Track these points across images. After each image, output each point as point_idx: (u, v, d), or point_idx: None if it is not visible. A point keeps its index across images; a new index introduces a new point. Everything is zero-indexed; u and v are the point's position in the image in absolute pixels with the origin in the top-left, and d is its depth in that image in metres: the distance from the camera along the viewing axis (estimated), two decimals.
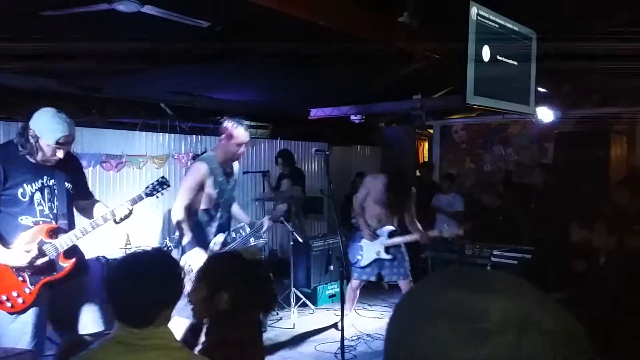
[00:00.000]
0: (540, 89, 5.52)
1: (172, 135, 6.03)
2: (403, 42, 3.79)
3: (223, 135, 3.30)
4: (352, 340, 4.48)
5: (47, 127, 2.36)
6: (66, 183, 2.55)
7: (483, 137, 8.29)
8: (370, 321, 5.01)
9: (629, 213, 4.58)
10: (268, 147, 7.09)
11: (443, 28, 4.02)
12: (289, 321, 4.92)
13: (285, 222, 5.61)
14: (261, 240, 4.98)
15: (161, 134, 5.95)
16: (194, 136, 6.27)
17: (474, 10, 3.92)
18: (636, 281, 2.97)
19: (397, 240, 4.39)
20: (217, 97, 6.42)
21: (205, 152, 5.80)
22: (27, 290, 2.39)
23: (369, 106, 7.11)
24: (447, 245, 5.77)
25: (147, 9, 3.12)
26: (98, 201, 2.78)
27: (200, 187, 3.16)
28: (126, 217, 2.60)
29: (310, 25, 3.19)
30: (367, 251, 4.41)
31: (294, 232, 5.45)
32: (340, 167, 7.58)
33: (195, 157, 6.03)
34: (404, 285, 4.37)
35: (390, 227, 4.45)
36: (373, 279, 4.51)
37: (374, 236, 4.39)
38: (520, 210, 5.97)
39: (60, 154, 2.42)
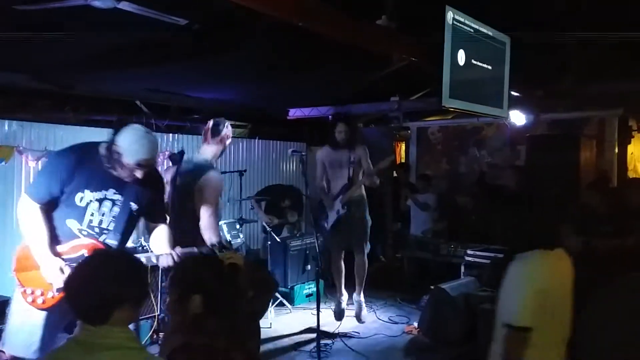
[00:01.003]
0: (514, 93, 5.66)
1: None
2: (381, 44, 3.84)
3: (219, 137, 3.27)
4: (330, 339, 4.52)
5: (131, 147, 2.32)
6: (132, 203, 2.48)
7: (459, 139, 8.44)
8: (347, 320, 5.05)
9: (598, 215, 4.73)
10: (246, 147, 7.07)
11: (420, 31, 4.09)
12: (266, 320, 4.92)
13: (264, 224, 5.63)
14: (238, 240, 4.99)
15: None
16: (171, 134, 6.21)
17: (449, 15, 4.00)
18: (602, 282, 3.08)
19: (349, 192, 4.53)
20: (194, 96, 6.37)
21: (181, 152, 5.75)
22: (50, 295, 2.37)
23: (347, 107, 7.16)
24: (422, 245, 5.87)
25: (124, 5, 3.08)
26: (164, 224, 2.67)
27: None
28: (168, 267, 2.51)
29: (289, 26, 3.20)
30: (331, 215, 4.61)
31: (272, 232, 5.46)
32: None
33: (172, 156, 5.99)
34: (358, 257, 4.63)
35: (343, 185, 4.58)
36: (344, 246, 4.71)
37: (331, 202, 4.58)
38: (493, 211, 6.10)
39: (138, 174, 2.38)
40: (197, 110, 6.82)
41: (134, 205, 2.50)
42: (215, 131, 3.27)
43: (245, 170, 5.98)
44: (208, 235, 2.94)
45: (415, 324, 4.73)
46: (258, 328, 2.06)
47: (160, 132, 6.15)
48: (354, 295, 4.80)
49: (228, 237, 4.66)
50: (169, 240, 2.62)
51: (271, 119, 7.57)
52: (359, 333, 4.71)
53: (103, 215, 2.44)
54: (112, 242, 2.47)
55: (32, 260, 2.36)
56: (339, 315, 4.83)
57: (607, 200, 5.23)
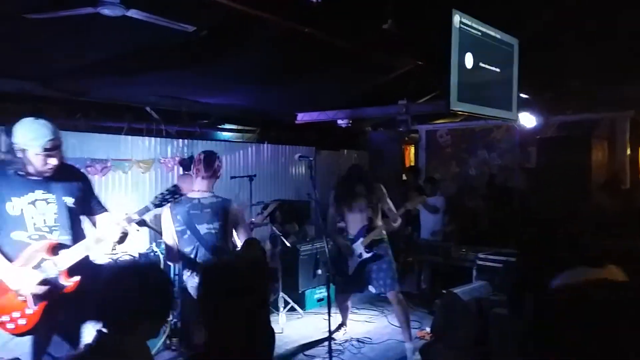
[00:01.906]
0: (523, 95, 5.62)
1: (158, 139, 6.00)
2: (386, 49, 3.83)
3: (212, 170, 3.25)
4: (341, 345, 4.50)
5: (29, 136, 2.27)
6: (64, 197, 2.44)
7: (468, 141, 8.40)
8: (358, 325, 5.04)
9: (610, 216, 4.67)
10: (255, 152, 7.09)
11: (426, 35, 4.09)
12: (277, 326, 4.92)
13: (274, 228, 5.63)
14: None
15: (147, 138, 5.92)
16: (181, 140, 6.24)
17: (456, 19, 3.99)
18: None
19: (371, 235, 4.29)
20: (203, 101, 6.41)
21: (190, 157, 5.79)
22: (30, 311, 2.29)
23: (355, 110, 7.16)
24: (433, 249, 5.84)
25: (133, 13, 3.11)
26: (106, 213, 2.65)
27: None
28: (122, 239, 2.49)
29: (296, 31, 3.22)
30: (351, 259, 4.36)
31: (282, 237, 5.46)
32: (327, 171, 7.61)
33: (182, 162, 6.03)
34: (392, 296, 4.29)
35: (362, 227, 4.35)
36: (361, 291, 4.45)
37: (349, 247, 4.33)
38: (504, 213, 6.06)
39: (52, 161, 2.32)
40: (206, 116, 6.86)
41: (68, 200, 2.45)
42: (208, 165, 3.20)
43: (255, 175, 5.99)
44: None
45: (428, 329, 4.69)
46: (273, 332, 2.04)
47: (171, 137, 6.19)
48: (406, 344, 4.32)
49: (239, 243, 4.66)
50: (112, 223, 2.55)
51: (279, 124, 7.59)
52: (370, 339, 4.69)
53: (43, 214, 2.37)
54: (65, 237, 2.41)
55: None
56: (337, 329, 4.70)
57: (619, 201, 5.18)
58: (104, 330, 1.56)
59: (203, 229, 3.06)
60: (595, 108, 6.85)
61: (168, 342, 4.22)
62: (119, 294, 1.56)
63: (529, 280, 3.33)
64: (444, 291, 4.64)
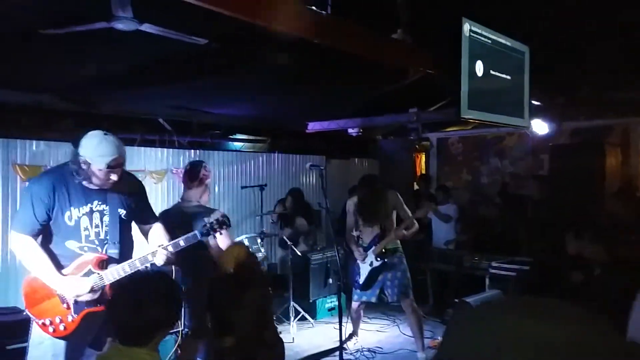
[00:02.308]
0: (535, 102, 5.59)
1: (171, 150, 6.07)
2: (397, 58, 3.85)
3: (197, 180, 3.34)
4: (352, 354, 4.48)
5: (95, 152, 2.34)
6: (119, 209, 2.51)
7: (479, 149, 8.36)
8: (369, 334, 5.01)
9: (624, 223, 4.61)
10: (266, 161, 7.13)
11: (437, 44, 4.09)
12: (288, 335, 4.91)
13: (284, 237, 5.64)
14: (260, 254, 5.01)
15: (159, 149, 5.99)
16: (193, 151, 6.31)
17: (466, 27, 3.99)
18: (631, 292, 2.99)
19: (382, 243, 4.30)
20: (215, 112, 6.47)
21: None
22: (70, 318, 2.38)
23: (366, 119, 7.17)
24: (445, 257, 5.80)
25: (146, 27, 3.16)
26: (158, 223, 2.71)
27: None
28: (167, 263, 2.53)
29: (305, 42, 3.24)
30: (363, 267, 4.38)
31: (292, 246, 5.47)
32: (338, 180, 7.62)
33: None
34: (406, 304, 4.29)
35: (375, 235, 4.36)
36: (374, 299, 4.45)
37: (363, 254, 4.35)
38: (517, 222, 6.00)
39: (114, 177, 2.40)
40: (217, 126, 6.92)
41: (122, 212, 2.52)
42: (193, 174, 3.30)
43: (265, 185, 6.03)
44: None
45: (440, 339, 4.64)
46: (281, 341, 2.04)
47: (183, 148, 6.25)
48: (418, 353, 4.34)
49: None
50: (165, 235, 2.64)
51: (290, 133, 7.62)
52: (382, 348, 4.66)
53: (97, 227, 2.44)
54: (114, 251, 2.47)
55: (42, 292, 2.37)
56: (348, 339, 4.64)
57: (632, 208, 5.10)
58: (117, 341, 1.57)
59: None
60: (608, 114, 6.79)
61: (180, 351, 4.23)
62: (126, 306, 1.58)
63: (542, 289, 3.30)
64: (456, 300, 4.61)
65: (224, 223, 2.70)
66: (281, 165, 7.34)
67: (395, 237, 4.32)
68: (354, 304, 4.51)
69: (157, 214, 2.70)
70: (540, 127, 6.46)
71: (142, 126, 6.03)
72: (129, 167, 5.59)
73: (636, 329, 1.91)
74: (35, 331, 2.40)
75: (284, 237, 5.68)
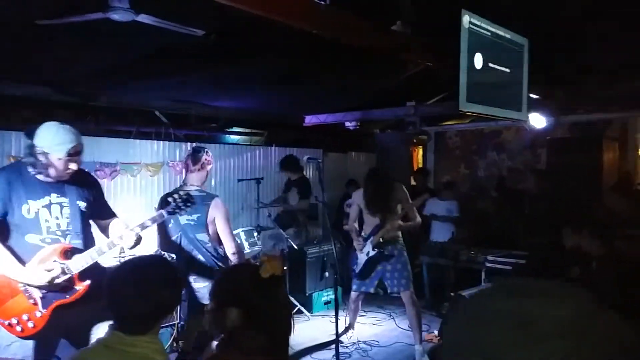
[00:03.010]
0: (533, 96, 5.57)
1: (167, 143, 6.03)
2: (396, 50, 3.82)
3: (199, 164, 3.38)
4: (348, 348, 4.48)
5: (54, 141, 2.30)
6: (78, 201, 2.48)
7: (477, 143, 8.36)
8: (365, 328, 5.02)
9: (621, 217, 4.62)
10: (262, 154, 7.10)
11: (436, 36, 4.06)
12: None
13: (282, 230, 5.63)
14: (256, 247, 5.00)
15: (156, 141, 5.95)
16: (189, 144, 6.27)
17: (465, 19, 3.96)
18: (626, 285, 3.00)
19: (379, 234, 4.31)
20: (212, 105, 6.44)
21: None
22: (39, 314, 2.32)
23: (363, 112, 7.15)
24: (442, 251, 5.80)
25: (142, 18, 3.13)
26: (116, 217, 2.68)
27: None
28: (136, 244, 2.52)
29: (305, 33, 3.21)
30: (361, 257, 4.42)
31: (289, 239, 5.46)
32: (335, 174, 7.60)
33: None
34: (405, 296, 4.30)
35: (375, 226, 4.38)
36: (372, 290, 4.46)
37: (361, 244, 4.38)
38: (514, 216, 6.00)
39: (73, 166, 2.37)
40: (214, 119, 6.88)
41: (81, 204, 2.48)
42: (195, 158, 3.36)
43: (262, 178, 6.00)
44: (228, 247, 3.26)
45: (436, 332, 4.66)
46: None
47: (179, 141, 6.22)
48: (415, 345, 4.31)
49: (246, 245, 4.67)
50: (126, 225, 2.60)
51: (287, 126, 7.60)
52: (378, 342, 4.67)
53: (57, 218, 2.40)
54: (77, 241, 2.43)
55: (4, 291, 2.30)
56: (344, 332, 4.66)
57: (629, 202, 5.11)
58: (116, 329, 1.54)
59: (183, 219, 3.29)
60: (606, 108, 6.78)
61: (175, 344, 4.23)
62: (130, 292, 1.54)
63: None
64: (452, 294, 4.62)
65: (187, 200, 2.72)
66: (278, 158, 7.29)
67: (391, 227, 4.31)
68: (353, 294, 4.52)
69: (165, 212, 2.66)
70: (538, 120, 6.45)
71: (138, 118, 5.99)
72: (124, 159, 5.61)
73: None
74: (1, 333, 2.32)
75: (281, 231, 5.67)
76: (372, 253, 4.35)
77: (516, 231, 5.84)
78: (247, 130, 7.66)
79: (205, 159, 3.35)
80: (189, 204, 2.73)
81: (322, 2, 3.04)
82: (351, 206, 4.67)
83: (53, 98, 5.16)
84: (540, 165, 7.30)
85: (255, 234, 4.93)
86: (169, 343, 4.20)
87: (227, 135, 7.46)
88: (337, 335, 3.51)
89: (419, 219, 4.46)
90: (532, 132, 7.16)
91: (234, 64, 4.53)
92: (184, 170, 3.50)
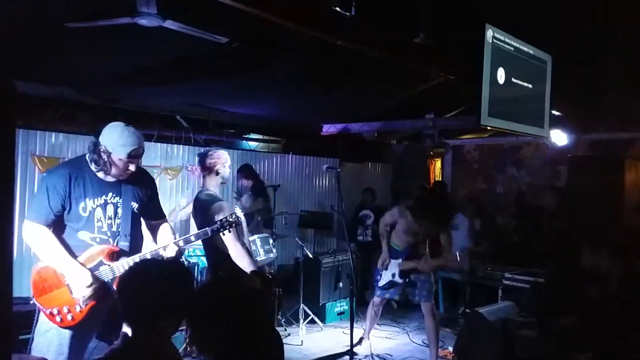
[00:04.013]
0: (555, 112, 5.51)
1: (187, 147, 6.09)
2: (418, 62, 3.82)
3: (207, 168, 3.30)
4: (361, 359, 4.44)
5: (118, 141, 2.38)
6: (132, 202, 2.53)
7: (495, 157, 8.27)
8: (379, 341, 4.96)
9: None
10: (280, 162, 7.13)
11: (459, 49, 4.05)
12: (297, 337, 4.89)
13: (297, 238, 5.62)
14: (271, 255, 4.99)
15: (176, 145, 6.02)
16: (208, 149, 6.32)
17: (489, 33, 3.95)
18: None
19: (408, 265, 4.24)
20: (232, 111, 6.49)
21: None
22: (78, 309, 2.38)
23: (381, 123, 7.15)
24: (458, 266, 5.72)
25: (169, 24, 3.18)
26: (166, 222, 2.74)
27: None
28: (178, 256, 2.55)
29: (326, 42, 3.23)
30: (385, 273, 4.36)
31: (304, 248, 5.45)
32: (351, 184, 7.59)
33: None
34: (426, 308, 4.24)
35: (408, 246, 4.31)
36: (397, 297, 4.45)
37: (387, 262, 4.32)
38: (532, 233, 5.91)
39: (132, 167, 2.43)
40: (233, 125, 6.94)
41: (134, 205, 2.54)
42: (202, 164, 3.32)
43: (279, 185, 6.01)
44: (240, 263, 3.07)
45: (450, 349, 4.58)
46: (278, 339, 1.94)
47: (199, 145, 6.27)
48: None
49: (261, 252, 4.66)
50: (173, 233, 2.69)
51: (305, 135, 7.62)
52: (391, 356, 4.61)
53: (109, 219, 2.47)
54: (125, 244, 2.48)
55: (51, 281, 2.38)
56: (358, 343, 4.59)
57: None
58: (128, 331, 1.57)
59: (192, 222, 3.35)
60: (629, 127, 6.67)
61: (188, 348, 4.22)
62: (138, 292, 1.58)
63: (559, 303, 3.22)
64: (468, 310, 4.54)
65: (234, 222, 2.75)
66: (295, 166, 7.33)
67: (425, 269, 4.21)
68: (375, 299, 4.47)
69: (210, 229, 2.71)
70: (559, 137, 6.36)
71: (159, 122, 6.06)
72: (145, 162, 5.64)
73: None
74: (42, 320, 2.41)
75: (296, 238, 5.65)
76: (397, 279, 4.27)
77: (534, 248, 5.74)
78: (265, 137, 7.70)
79: (210, 162, 3.30)
80: (234, 225, 2.75)
81: (347, 13, 3.06)
82: (387, 214, 4.48)
83: (77, 99, 5.26)
84: (560, 183, 7.18)
85: (271, 241, 4.92)
86: (182, 347, 4.20)
87: (245, 141, 7.51)
88: (352, 345, 3.47)
89: (451, 259, 4.38)
90: (552, 149, 7.06)
91: (255, 71, 4.57)
92: (198, 181, 3.52)
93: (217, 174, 3.32)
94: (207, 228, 2.71)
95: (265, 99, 5.88)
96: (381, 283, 4.37)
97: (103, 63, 4.35)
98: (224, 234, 2.81)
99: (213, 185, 3.33)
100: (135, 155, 2.42)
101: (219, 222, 2.73)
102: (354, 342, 4.38)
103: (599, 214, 5.60)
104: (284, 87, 5.25)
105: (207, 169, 3.31)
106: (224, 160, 3.35)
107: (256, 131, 7.53)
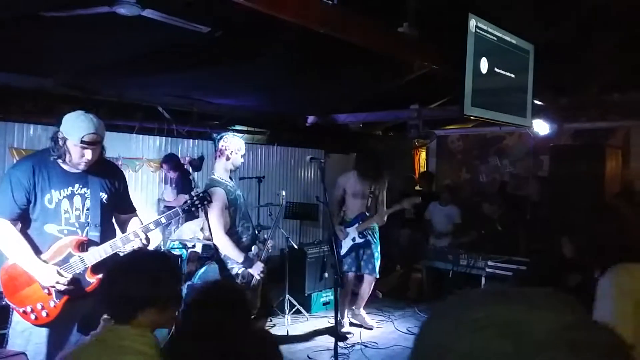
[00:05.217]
0: (537, 102, 5.56)
1: (169, 139, 6.02)
2: (402, 52, 3.81)
3: (218, 151, 3.32)
4: (346, 348, 4.47)
5: (72, 126, 2.32)
6: (101, 193, 2.47)
7: (479, 147, 8.34)
8: (364, 330, 5.00)
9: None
10: (265, 153, 7.09)
11: (442, 39, 4.06)
12: (282, 328, 4.90)
13: (280, 229, 5.61)
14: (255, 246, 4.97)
15: (158, 137, 5.94)
16: (191, 140, 6.26)
17: (472, 23, 3.96)
18: None
19: (366, 223, 4.71)
20: (215, 102, 6.42)
21: (200, 157, 5.70)
22: (52, 304, 2.33)
23: (366, 114, 7.14)
24: (442, 255, 5.78)
25: (148, 13, 3.12)
26: (136, 216, 2.69)
27: (225, 211, 3.22)
28: (147, 242, 2.51)
29: (310, 33, 3.20)
30: (345, 241, 4.73)
31: (289, 239, 5.44)
32: (337, 174, 7.55)
33: (192, 162, 6.01)
34: (368, 280, 4.70)
35: (360, 213, 4.75)
36: (354, 269, 4.79)
37: (345, 233, 4.73)
38: (515, 222, 5.98)
39: (87, 154, 2.35)
40: (217, 117, 6.87)
41: (103, 196, 2.48)
42: (215, 147, 3.36)
43: (263, 177, 5.99)
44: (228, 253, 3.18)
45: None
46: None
47: (182, 137, 6.20)
48: (359, 310, 4.85)
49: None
50: (141, 221, 2.63)
51: (290, 126, 7.58)
52: (377, 344, 4.65)
53: (77, 210, 2.41)
54: (95, 234, 2.43)
55: (21, 279, 2.32)
56: (344, 338, 4.65)
57: (633, 211, 5.10)
58: (109, 319, 1.56)
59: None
60: (609, 116, 6.77)
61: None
62: (117, 283, 1.56)
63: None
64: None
65: (204, 199, 2.73)
66: (280, 157, 7.31)
67: (380, 222, 4.75)
68: (350, 274, 4.79)
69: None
70: (541, 127, 6.43)
71: (141, 114, 5.97)
72: (127, 154, 5.59)
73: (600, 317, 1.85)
74: (17, 319, 2.36)
75: (280, 229, 5.64)
76: (358, 240, 4.71)
77: (517, 237, 5.82)
78: (249, 128, 7.64)
79: (222, 145, 3.30)
80: (205, 202, 2.74)
81: (330, 2, 3.03)
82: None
83: (56, 91, 5.15)
84: (543, 172, 7.28)
85: (256, 232, 4.90)
86: (169, 336, 4.18)
87: (229, 133, 7.44)
88: (337, 337, 3.49)
89: (385, 218, 4.81)
90: (535, 139, 7.14)
91: (238, 61, 4.52)
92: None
93: (228, 159, 3.29)
94: (177, 207, 2.67)
95: (249, 89, 5.83)
96: (343, 251, 4.71)
97: (82, 53, 4.26)
98: (197, 214, 2.81)
99: (221, 170, 3.30)
100: (89, 141, 2.32)
101: (189, 201, 2.69)
102: (340, 333, 4.46)
103: (581, 202, 5.69)
104: (268, 77, 5.21)
105: (219, 152, 3.30)
106: (237, 147, 3.33)
107: (240, 122, 7.46)
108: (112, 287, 1.56)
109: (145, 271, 1.57)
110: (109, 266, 1.64)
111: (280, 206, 4.70)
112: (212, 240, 3.19)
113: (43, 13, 3.16)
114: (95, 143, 2.36)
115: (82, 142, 2.31)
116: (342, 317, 4.84)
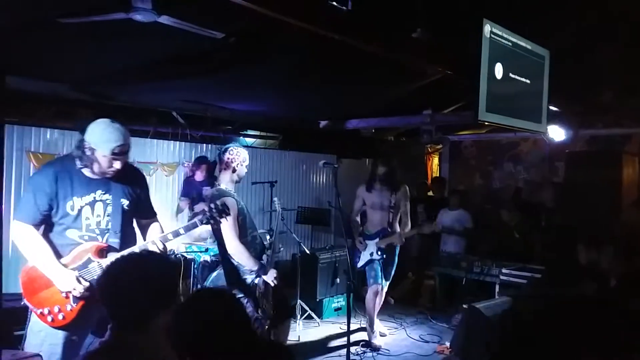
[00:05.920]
0: (553, 108, 5.50)
1: (183, 143, 6.07)
2: (416, 57, 3.79)
3: (223, 164, 3.34)
4: (358, 355, 4.44)
5: (101, 137, 2.35)
6: (122, 199, 2.50)
7: (493, 153, 8.27)
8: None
9: None
10: (277, 158, 7.10)
11: (456, 44, 4.03)
12: (294, 333, 4.89)
13: (294, 235, 5.61)
14: (269, 251, 4.98)
15: (172, 141, 5.99)
16: (205, 145, 6.30)
17: (487, 28, 3.93)
18: None
19: (387, 240, 4.61)
20: (229, 107, 6.45)
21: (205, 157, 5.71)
22: (69, 308, 2.37)
23: (379, 120, 7.12)
24: (455, 262, 5.73)
25: (164, 19, 3.14)
26: (156, 221, 2.72)
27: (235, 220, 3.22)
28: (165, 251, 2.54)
29: (323, 38, 3.20)
30: (364, 254, 4.67)
31: (301, 244, 5.44)
32: (349, 180, 7.55)
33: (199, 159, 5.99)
34: (375, 288, 4.59)
35: (382, 229, 4.67)
36: (371, 281, 4.71)
37: (364, 244, 4.65)
38: (529, 229, 5.91)
39: (117, 164, 2.39)
40: (230, 122, 6.91)
41: (124, 202, 2.51)
42: (220, 159, 3.38)
43: (276, 181, 6.00)
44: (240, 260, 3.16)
45: (447, 344, 4.59)
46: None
47: (195, 142, 6.25)
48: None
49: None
50: (162, 232, 2.65)
51: (302, 131, 7.59)
52: (389, 350, 4.62)
53: (98, 216, 2.44)
54: (114, 240, 2.46)
55: (40, 281, 2.36)
56: (377, 348, 4.64)
57: None
58: (116, 328, 1.54)
59: None
60: (626, 123, 6.67)
61: None
62: (122, 290, 1.53)
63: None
64: (465, 306, 4.54)
65: (223, 211, 2.71)
66: (292, 162, 7.32)
67: (399, 242, 4.63)
68: (376, 286, 4.67)
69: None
70: (557, 133, 6.36)
71: (155, 118, 6.03)
72: (141, 159, 5.64)
73: None
74: (34, 320, 2.40)
75: (294, 235, 5.63)
76: (376, 256, 4.61)
77: (532, 244, 5.74)
78: (262, 133, 7.67)
79: (228, 158, 3.32)
80: (223, 215, 2.72)
81: (344, 8, 3.03)
82: (356, 198, 4.82)
83: (72, 96, 5.22)
84: (558, 179, 7.19)
85: (268, 237, 4.91)
86: None
87: (242, 137, 7.48)
88: (349, 342, 3.47)
89: (408, 231, 4.69)
90: (550, 145, 7.06)
91: (252, 67, 4.54)
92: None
93: (234, 171, 3.32)
94: (196, 219, 2.68)
95: (262, 95, 5.85)
96: (360, 264, 4.66)
97: (98, 59, 4.31)
98: (216, 226, 2.81)
99: (226, 181, 3.33)
100: (119, 152, 2.38)
101: (208, 213, 2.68)
102: (372, 340, 4.61)
103: (597, 209, 5.61)
104: (281, 83, 5.22)
105: (225, 164, 3.32)
106: (242, 158, 3.37)
107: (253, 127, 7.50)
108: (118, 300, 1.54)
109: (145, 279, 1.54)
110: (107, 277, 1.60)
111: (277, 212, 4.67)
112: (227, 250, 3.19)
113: (60, 19, 3.20)
114: (124, 153, 2.42)
115: (112, 153, 2.35)
116: (372, 329, 4.74)
